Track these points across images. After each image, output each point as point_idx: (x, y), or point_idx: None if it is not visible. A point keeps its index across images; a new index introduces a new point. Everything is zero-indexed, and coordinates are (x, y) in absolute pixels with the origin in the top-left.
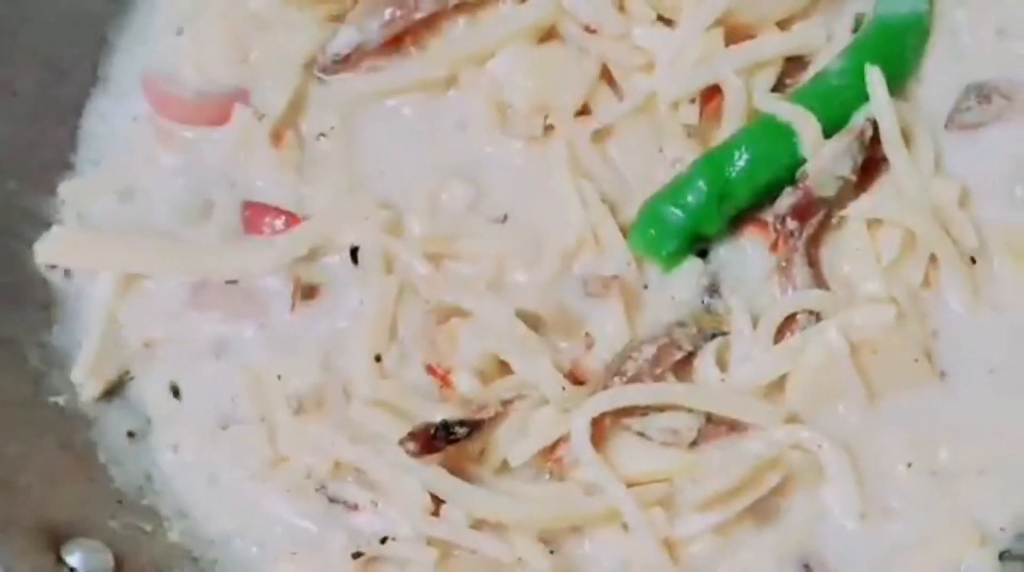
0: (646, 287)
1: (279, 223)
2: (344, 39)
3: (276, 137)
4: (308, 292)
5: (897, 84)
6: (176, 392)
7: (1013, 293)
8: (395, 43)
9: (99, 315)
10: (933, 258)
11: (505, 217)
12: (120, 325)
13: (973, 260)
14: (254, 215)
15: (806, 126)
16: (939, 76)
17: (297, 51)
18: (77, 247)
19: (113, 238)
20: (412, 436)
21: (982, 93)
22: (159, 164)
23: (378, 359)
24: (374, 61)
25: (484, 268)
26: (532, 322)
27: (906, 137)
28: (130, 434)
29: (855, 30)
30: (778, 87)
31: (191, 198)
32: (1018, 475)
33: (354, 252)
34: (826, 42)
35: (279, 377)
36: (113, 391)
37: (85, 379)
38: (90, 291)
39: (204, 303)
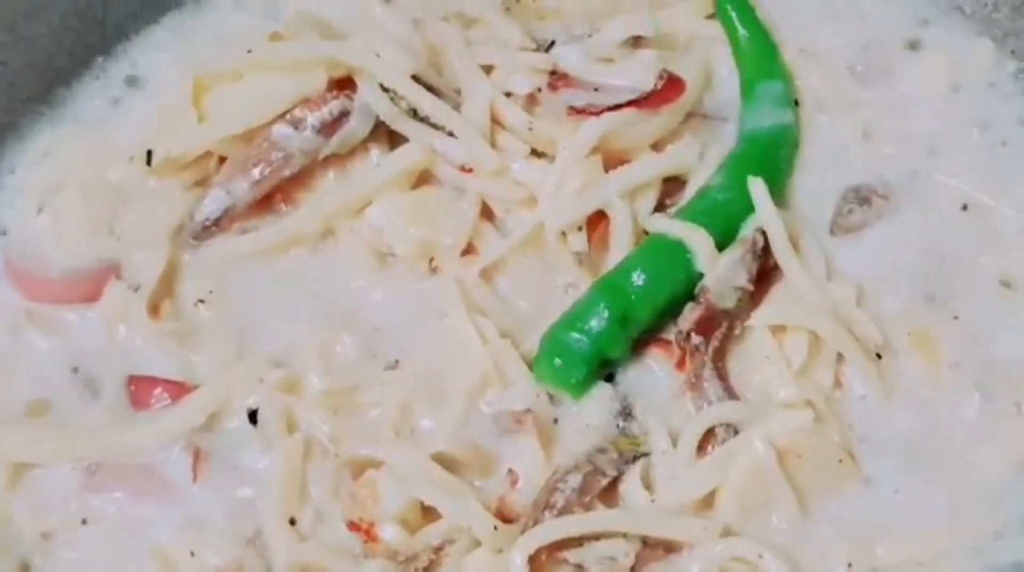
0: (556, 420)
1: (167, 395)
2: (213, 204)
3: (153, 308)
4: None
5: (776, 194)
6: None
7: (922, 382)
8: (266, 202)
9: None
10: (840, 357)
11: (398, 362)
12: (12, 518)
13: (879, 356)
14: (140, 389)
15: (699, 242)
16: (815, 183)
17: (164, 220)
18: None
19: None
20: None
21: (860, 195)
22: (33, 348)
23: (292, 522)
24: (245, 222)
25: (388, 416)
26: (448, 465)
27: (793, 243)
28: None
29: None
30: (659, 207)
31: (72, 380)
32: (956, 562)
33: (252, 415)
34: (699, 160)
35: (192, 553)
36: None
37: None
38: None
39: (101, 485)
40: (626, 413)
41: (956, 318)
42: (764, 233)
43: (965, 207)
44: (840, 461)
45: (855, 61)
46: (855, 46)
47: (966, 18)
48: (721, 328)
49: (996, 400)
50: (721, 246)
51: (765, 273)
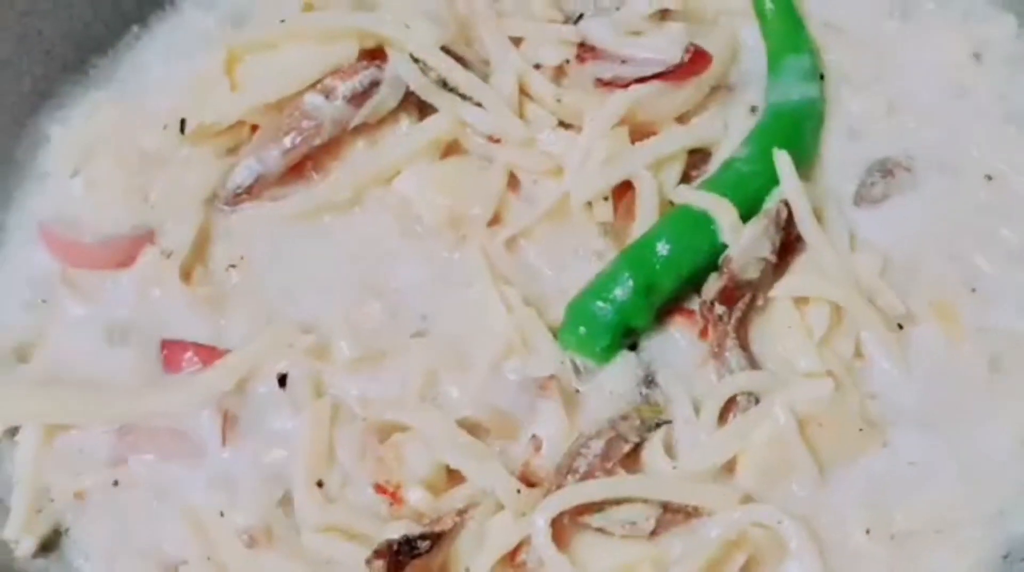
0: (577, 391)
1: (198, 359)
2: (245, 171)
3: (185, 274)
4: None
5: (801, 167)
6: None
7: (942, 353)
8: (296, 170)
9: (25, 470)
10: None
11: (425, 329)
12: (46, 478)
13: (901, 326)
14: (172, 353)
15: (724, 213)
16: (840, 156)
17: (197, 186)
18: None
19: (30, 390)
20: (377, 554)
21: (884, 168)
22: (68, 313)
23: (320, 485)
24: (276, 190)
25: (415, 382)
26: (473, 430)
27: (818, 216)
28: None
29: None
30: (684, 179)
31: (105, 343)
32: (972, 531)
33: (282, 379)
34: (724, 133)
35: (221, 514)
36: (49, 546)
37: (18, 536)
38: (12, 447)
39: (133, 447)
40: (649, 381)
41: (974, 290)
42: (788, 205)
43: (989, 178)
44: (860, 430)
45: (880, 34)
46: (879, 20)
47: None
48: (744, 298)
49: (1014, 371)
50: (745, 218)
51: (788, 245)
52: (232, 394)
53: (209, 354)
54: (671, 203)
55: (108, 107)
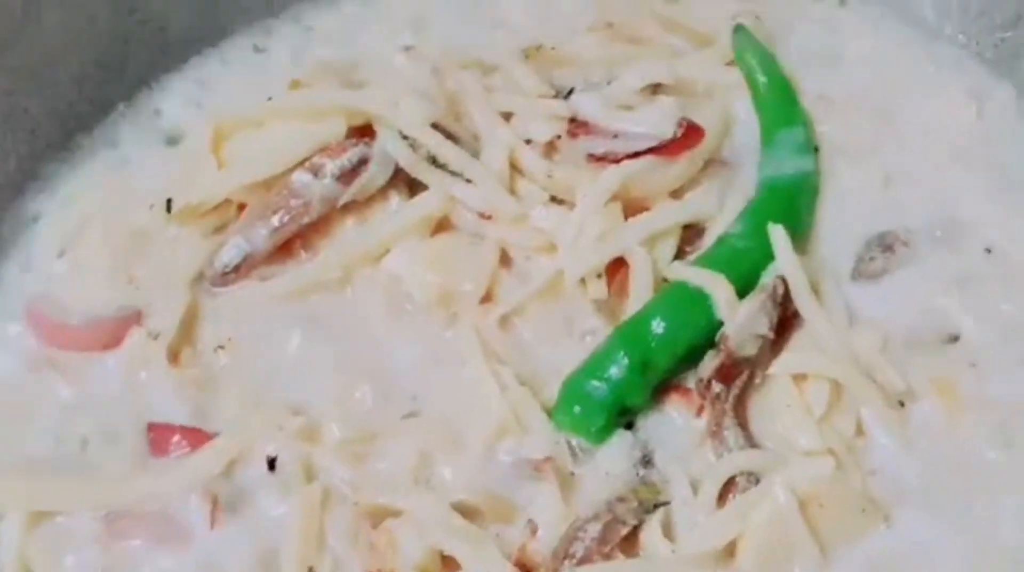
0: (576, 469)
1: (186, 442)
2: (233, 251)
3: (173, 355)
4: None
5: (797, 241)
6: None
7: (944, 429)
8: (285, 249)
9: (10, 557)
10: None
11: (417, 410)
12: (34, 563)
13: (902, 403)
14: (159, 437)
15: (720, 289)
16: (836, 229)
17: (185, 266)
18: None
19: (15, 476)
20: None
21: (884, 243)
22: (55, 396)
23: (311, 571)
24: (265, 269)
25: (407, 464)
26: (467, 513)
27: (815, 290)
28: None
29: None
30: (679, 255)
31: (91, 427)
32: None
33: (271, 462)
34: (719, 208)
35: None
36: None
37: None
38: None
39: (120, 533)
40: (646, 461)
41: (974, 365)
42: (785, 280)
43: (988, 250)
44: (863, 510)
45: (875, 106)
46: (874, 92)
47: (986, 63)
48: (742, 376)
49: (1015, 447)
50: (742, 294)
51: (786, 320)
52: (220, 478)
53: (197, 437)
54: (665, 280)
55: (94, 187)
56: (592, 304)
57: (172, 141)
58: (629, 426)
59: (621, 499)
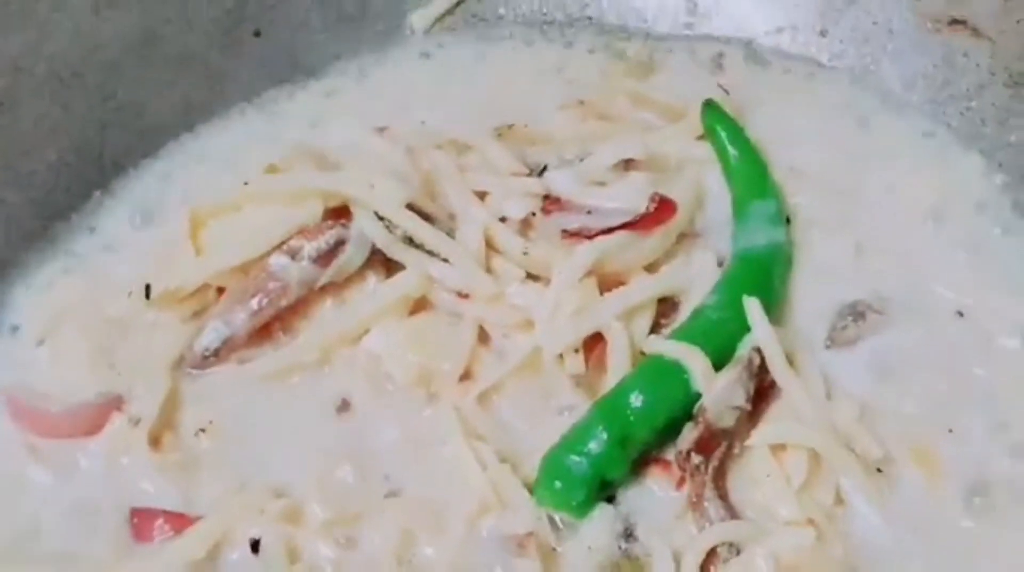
0: (558, 544)
1: (169, 527)
2: (212, 334)
3: (154, 440)
4: None
5: (772, 312)
6: None
7: (922, 497)
8: (264, 331)
9: None
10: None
11: (398, 489)
12: None
13: (879, 470)
14: (142, 522)
15: (696, 362)
16: (810, 299)
17: (164, 351)
18: None
19: None
20: None
21: (855, 311)
22: (34, 483)
23: None
24: (244, 352)
25: (390, 544)
26: None
27: (791, 360)
28: None
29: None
30: (655, 328)
31: (73, 514)
32: None
33: (255, 545)
34: (693, 281)
35: None
36: None
37: None
38: None
39: None
40: (628, 534)
41: (951, 431)
42: (760, 352)
43: (960, 314)
44: None
45: (845, 177)
46: (844, 162)
47: (953, 132)
48: (721, 447)
49: (994, 514)
50: (718, 365)
51: (763, 391)
52: (204, 562)
53: (180, 522)
54: (643, 353)
55: (72, 274)
56: (570, 380)
57: (149, 227)
58: (610, 500)
59: None
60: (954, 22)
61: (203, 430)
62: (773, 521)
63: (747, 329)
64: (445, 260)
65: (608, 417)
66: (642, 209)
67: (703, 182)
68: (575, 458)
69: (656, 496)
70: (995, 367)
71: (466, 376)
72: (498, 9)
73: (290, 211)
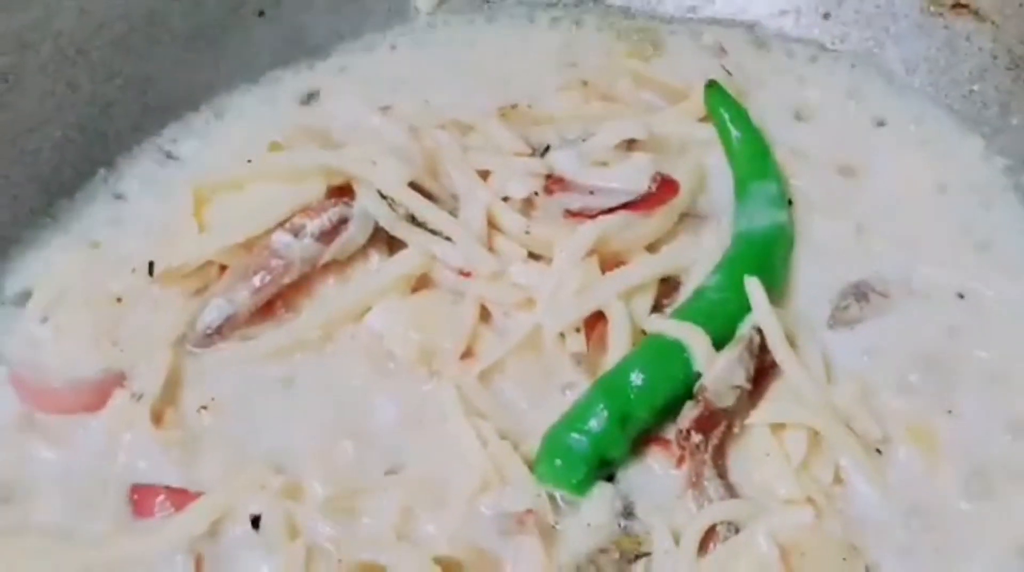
0: (558, 521)
1: (170, 503)
2: (214, 312)
3: (156, 416)
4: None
5: (773, 293)
6: None
7: (921, 476)
8: (266, 309)
9: None
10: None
11: (399, 466)
12: None
13: (879, 450)
14: (143, 498)
15: (697, 341)
16: (811, 280)
17: (166, 329)
18: None
19: None
20: None
21: (859, 292)
22: (37, 458)
23: None
24: (247, 329)
25: (390, 520)
26: (451, 568)
27: (791, 341)
28: None
29: None
30: (656, 308)
31: (74, 489)
32: None
33: (255, 521)
34: (694, 261)
35: None
36: None
37: None
38: None
39: None
40: (628, 512)
41: (950, 412)
42: (761, 331)
43: (961, 296)
44: (844, 559)
45: (847, 159)
46: (846, 145)
47: (955, 115)
48: (720, 426)
49: (992, 494)
50: (719, 345)
51: (763, 371)
52: (205, 537)
53: (181, 498)
54: (643, 333)
55: (76, 252)
56: (571, 358)
57: (153, 204)
58: (610, 478)
59: (603, 551)
60: (957, 5)
61: (205, 407)
62: (772, 500)
63: (748, 309)
64: (447, 239)
65: (609, 396)
66: (644, 189)
67: (705, 163)
68: (576, 436)
69: (656, 474)
70: (995, 349)
71: (467, 354)
72: None
73: (293, 189)
